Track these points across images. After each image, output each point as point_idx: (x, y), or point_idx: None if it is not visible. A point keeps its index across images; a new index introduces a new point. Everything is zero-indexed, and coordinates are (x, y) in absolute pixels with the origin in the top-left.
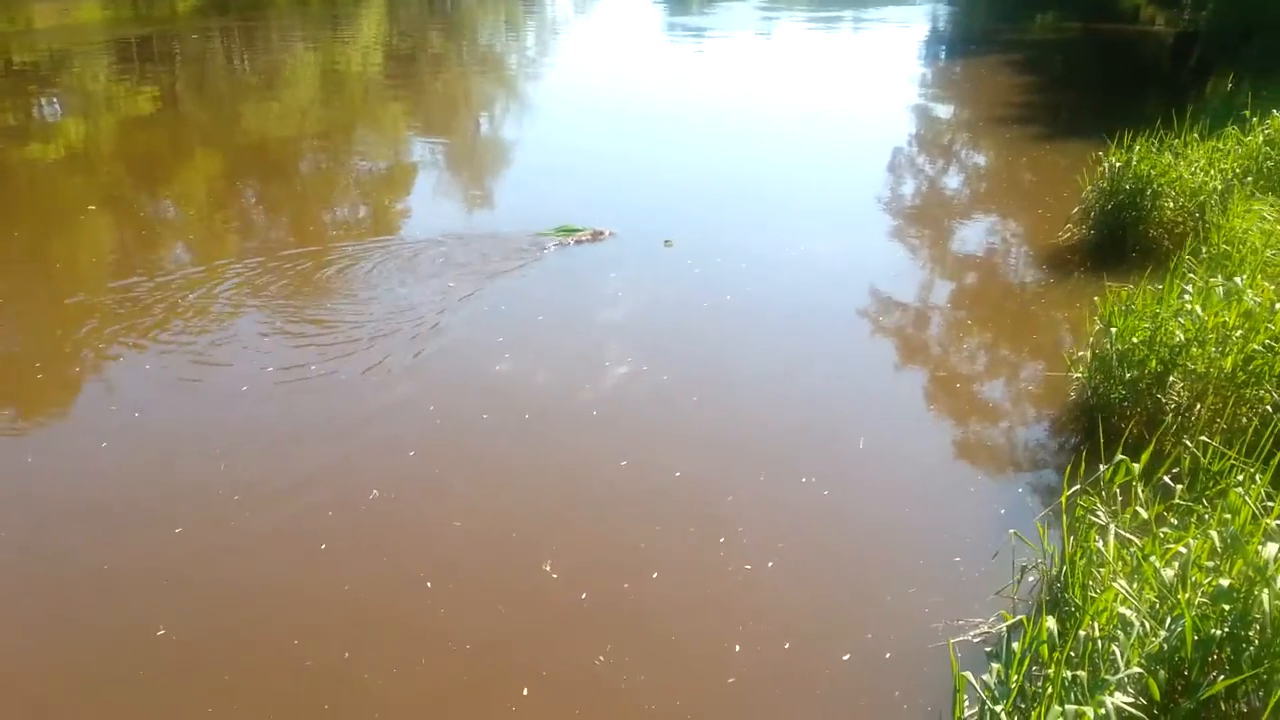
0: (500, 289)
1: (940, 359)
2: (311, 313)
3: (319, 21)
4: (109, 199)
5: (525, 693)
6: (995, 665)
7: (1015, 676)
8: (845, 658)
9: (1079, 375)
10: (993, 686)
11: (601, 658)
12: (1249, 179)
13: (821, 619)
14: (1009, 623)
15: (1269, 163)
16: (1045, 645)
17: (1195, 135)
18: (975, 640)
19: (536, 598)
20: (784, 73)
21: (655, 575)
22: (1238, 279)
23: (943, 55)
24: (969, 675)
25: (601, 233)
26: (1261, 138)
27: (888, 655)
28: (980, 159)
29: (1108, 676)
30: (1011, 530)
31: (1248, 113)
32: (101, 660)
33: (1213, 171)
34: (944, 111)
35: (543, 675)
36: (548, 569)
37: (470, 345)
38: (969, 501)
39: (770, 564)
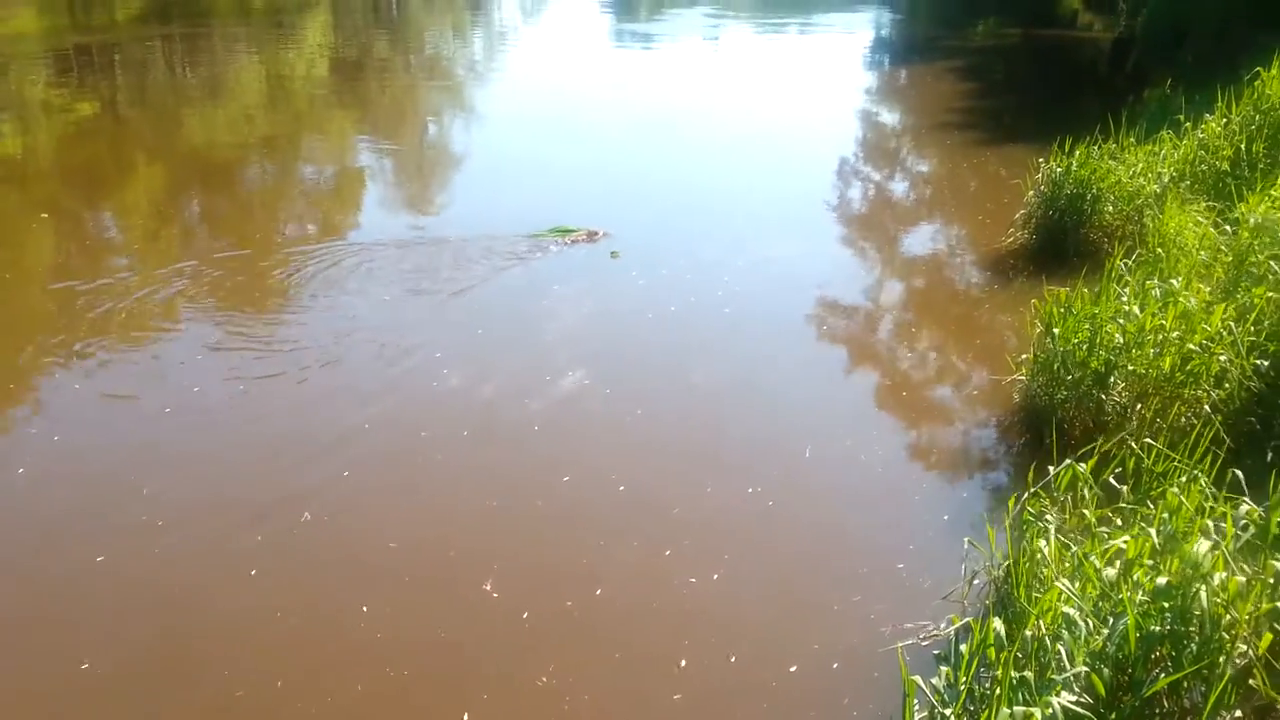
0: (438, 300)
1: (887, 364)
2: (248, 325)
3: (263, 29)
4: (46, 209)
5: (466, 718)
6: (944, 668)
7: (964, 679)
8: (793, 668)
9: (1022, 378)
10: (942, 690)
11: (544, 678)
12: (1184, 182)
13: (768, 630)
14: (957, 625)
15: (1203, 166)
16: (992, 647)
17: (1132, 140)
18: (925, 644)
19: (477, 618)
20: (732, 79)
21: (599, 591)
22: (1173, 281)
23: (887, 62)
24: (918, 679)
25: (596, 233)
26: (1195, 141)
27: (835, 665)
28: (925, 165)
29: (1054, 676)
30: (965, 537)
31: (1181, 117)
32: (21, 698)
33: (1150, 175)
34: (889, 118)
35: (484, 699)
36: (488, 588)
37: (409, 359)
38: (916, 506)
39: (716, 576)
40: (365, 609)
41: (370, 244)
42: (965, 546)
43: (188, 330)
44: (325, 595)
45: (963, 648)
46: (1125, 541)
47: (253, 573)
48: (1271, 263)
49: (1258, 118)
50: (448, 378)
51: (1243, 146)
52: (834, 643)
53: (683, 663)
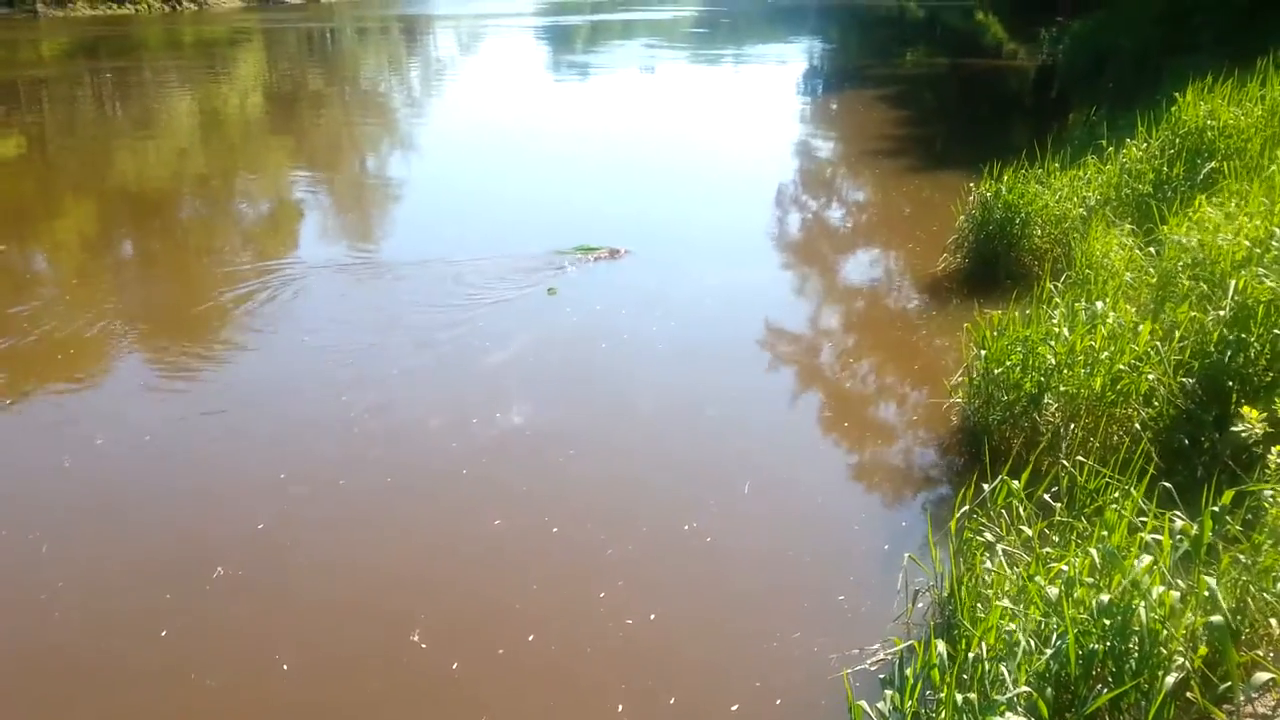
0: (367, 337)
1: (826, 392)
2: (170, 365)
3: (194, 64)
4: None
5: None
6: (890, 693)
7: (909, 703)
8: (735, 707)
9: (959, 400)
10: (888, 714)
11: None
12: (1109, 205)
13: (708, 669)
14: (900, 648)
15: (1126, 189)
16: (936, 669)
17: (1058, 165)
18: (872, 668)
19: (404, 671)
20: (669, 109)
21: (531, 637)
22: (1100, 303)
23: (820, 91)
24: (864, 704)
25: (618, 250)
26: (1118, 165)
27: (779, 701)
28: (860, 192)
29: (997, 697)
30: (906, 561)
31: (1104, 142)
32: None
33: (1075, 199)
34: (824, 146)
35: None
36: (416, 639)
37: (324, 402)
38: (857, 533)
39: (653, 616)
40: (286, 667)
41: (300, 276)
42: (907, 569)
43: (110, 371)
44: (242, 655)
45: (907, 671)
46: (1067, 562)
47: (163, 634)
48: (1194, 283)
49: (1176, 141)
50: (368, 421)
51: (1163, 169)
52: (777, 678)
53: (620, 707)
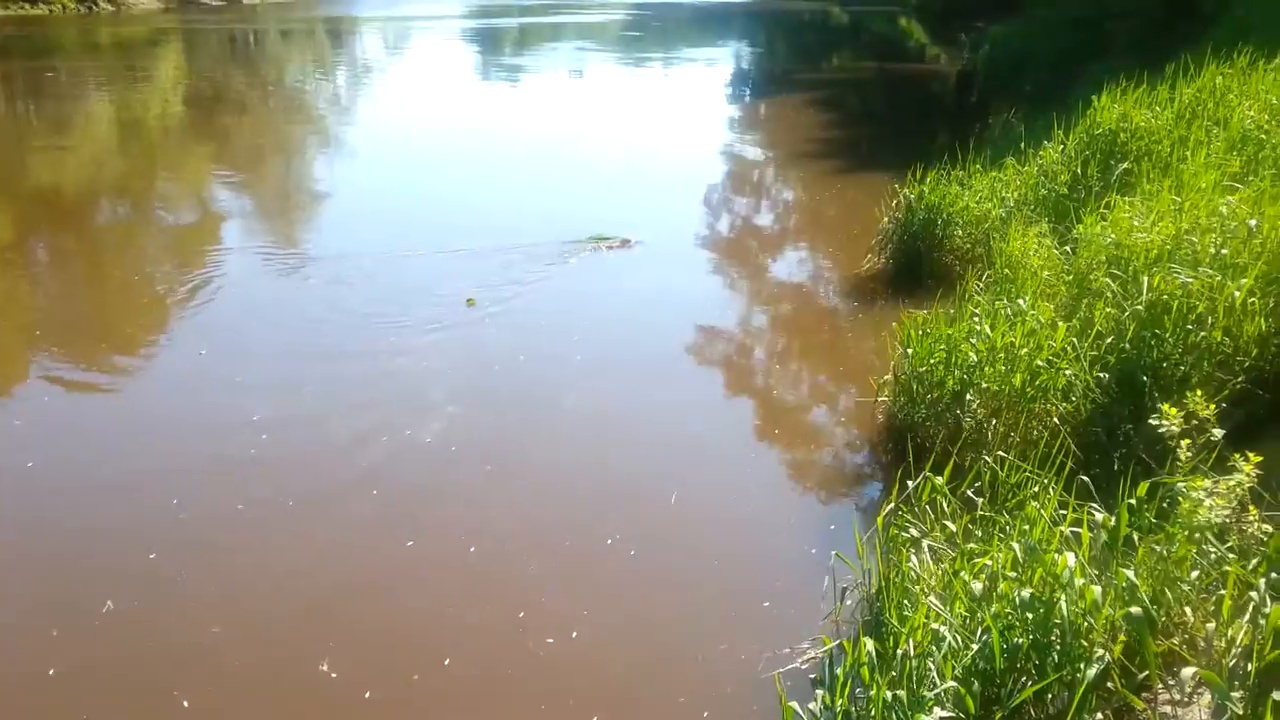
0: (268, 351)
1: (754, 397)
2: (54, 380)
3: (113, 67)
4: None
5: None
6: (821, 692)
7: (840, 701)
8: None
9: (885, 399)
10: (818, 714)
11: None
12: (1028, 206)
13: (632, 687)
14: (829, 647)
15: (1043, 190)
16: (865, 667)
17: (978, 167)
18: (803, 667)
19: (313, 703)
20: (601, 113)
21: (448, 661)
22: (1020, 301)
23: (748, 94)
24: (795, 705)
25: (629, 240)
26: (1036, 167)
27: (706, 714)
28: (788, 194)
29: (926, 693)
30: (834, 553)
31: (1023, 144)
32: None
33: (995, 200)
34: (752, 149)
35: None
36: (325, 668)
37: (224, 420)
38: (787, 536)
39: (575, 634)
40: (186, 704)
41: (215, 284)
42: (834, 568)
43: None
44: (137, 694)
45: (838, 670)
46: (990, 557)
47: (51, 672)
48: (1109, 280)
49: (1091, 143)
50: (269, 440)
51: (1078, 170)
52: (704, 690)
53: None
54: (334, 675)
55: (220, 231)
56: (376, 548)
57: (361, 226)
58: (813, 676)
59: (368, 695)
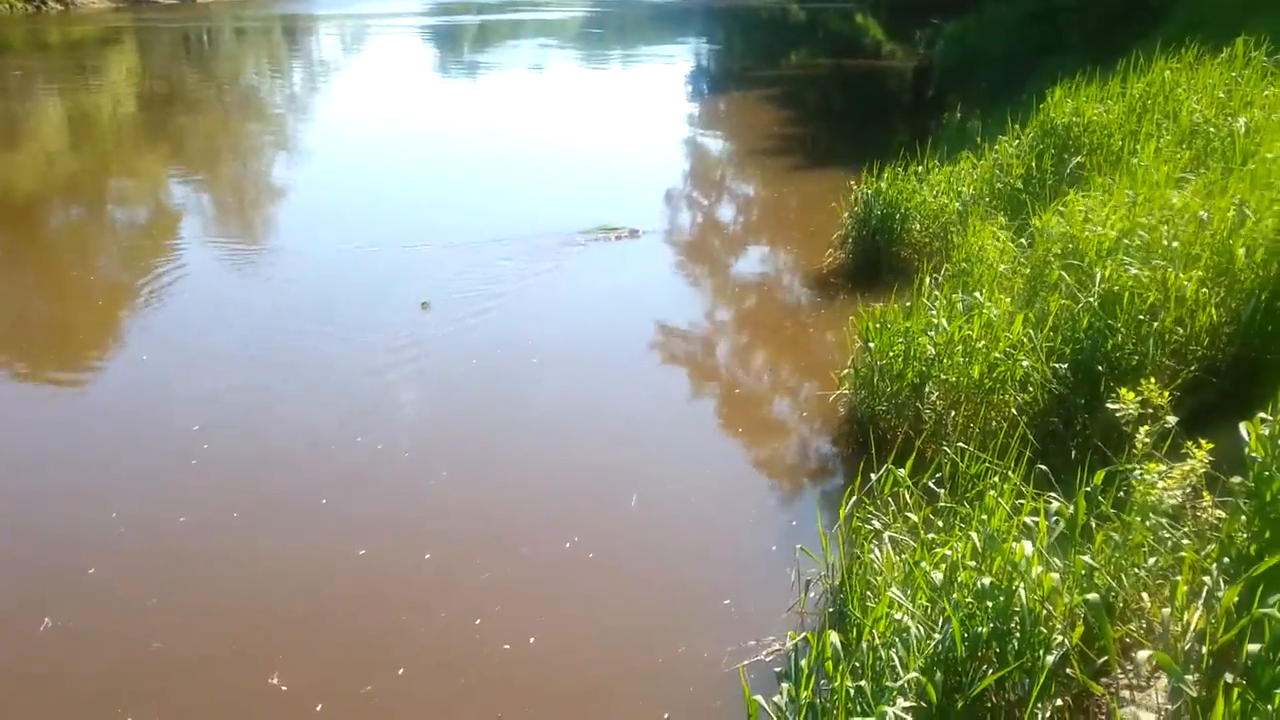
0: (203, 355)
1: (716, 395)
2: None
3: (64, 67)
4: None
5: None
6: (786, 685)
7: (805, 694)
8: None
9: (846, 392)
10: (783, 707)
11: None
12: (984, 200)
13: (591, 692)
14: (794, 641)
15: (999, 184)
16: (830, 660)
17: (935, 162)
18: (768, 660)
19: (262, 718)
20: (562, 110)
21: (401, 671)
22: (977, 294)
23: (708, 91)
24: (760, 699)
25: (636, 230)
26: (991, 161)
27: (666, 716)
28: (749, 190)
29: (889, 684)
30: (798, 546)
31: (979, 139)
32: None
33: (951, 195)
34: (712, 145)
35: None
36: (275, 682)
37: (166, 427)
38: (750, 532)
39: (532, 640)
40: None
41: (165, 286)
42: (799, 561)
43: None
44: (79, 714)
45: (802, 663)
46: (950, 547)
47: None
48: (1064, 272)
49: (1044, 137)
50: (209, 452)
51: (1033, 164)
52: (666, 691)
53: None
54: (284, 688)
55: (174, 232)
56: (327, 558)
57: (317, 225)
58: (777, 670)
59: (319, 708)
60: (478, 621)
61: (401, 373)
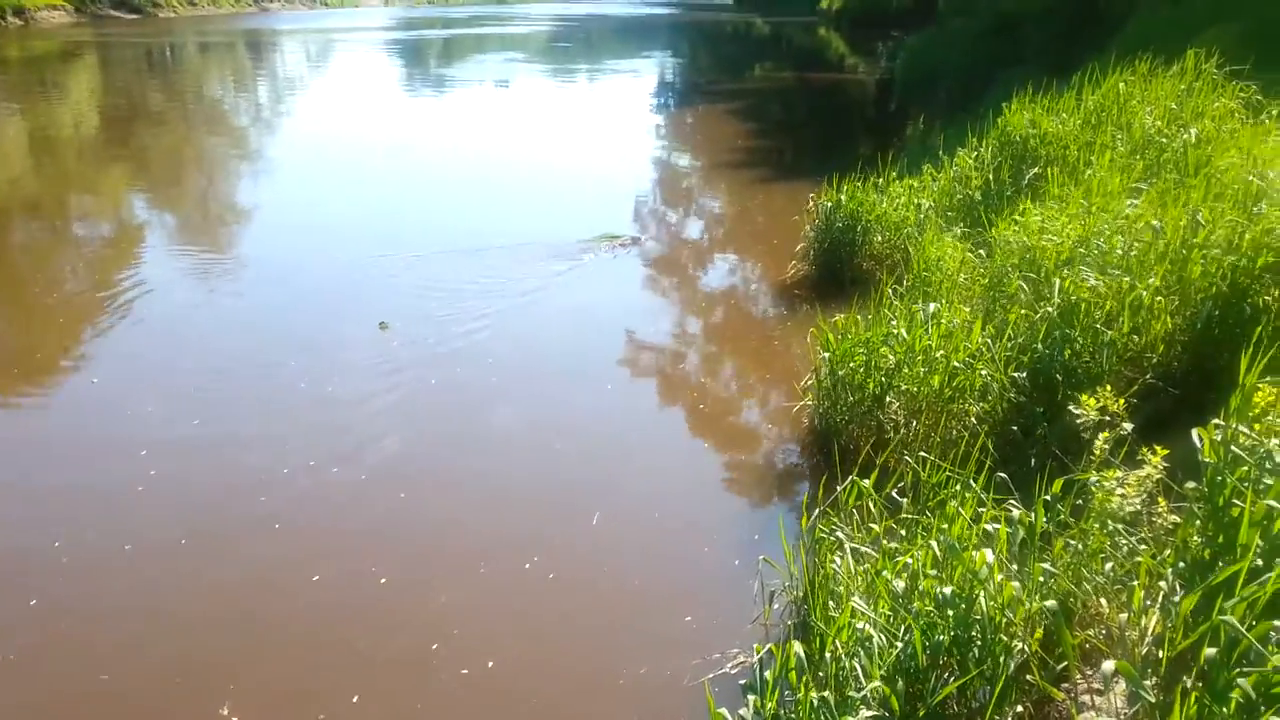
0: (154, 376)
1: (681, 409)
2: None
3: (24, 82)
4: None
5: None
6: (751, 697)
7: (770, 705)
8: None
9: (809, 403)
10: (749, 719)
11: None
12: (944, 211)
13: (553, 713)
14: (760, 654)
15: (958, 196)
16: (794, 671)
17: (894, 174)
18: (734, 672)
19: None
20: (529, 125)
21: (356, 699)
22: (934, 304)
23: (674, 105)
24: (725, 712)
25: (638, 238)
26: (951, 174)
27: None
28: (715, 204)
29: (853, 694)
30: (761, 557)
31: (940, 151)
32: None
33: (911, 206)
34: (679, 159)
35: None
36: (225, 713)
37: (105, 454)
38: (714, 548)
39: (491, 664)
40: None
41: (127, 306)
42: (764, 573)
43: None
44: None
45: (768, 675)
46: (912, 556)
47: None
48: (1022, 282)
49: (1003, 149)
50: (157, 478)
51: (991, 176)
52: (630, 708)
53: None
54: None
55: (135, 250)
56: (279, 585)
57: (278, 244)
58: (742, 682)
59: None
60: (435, 646)
61: (352, 396)
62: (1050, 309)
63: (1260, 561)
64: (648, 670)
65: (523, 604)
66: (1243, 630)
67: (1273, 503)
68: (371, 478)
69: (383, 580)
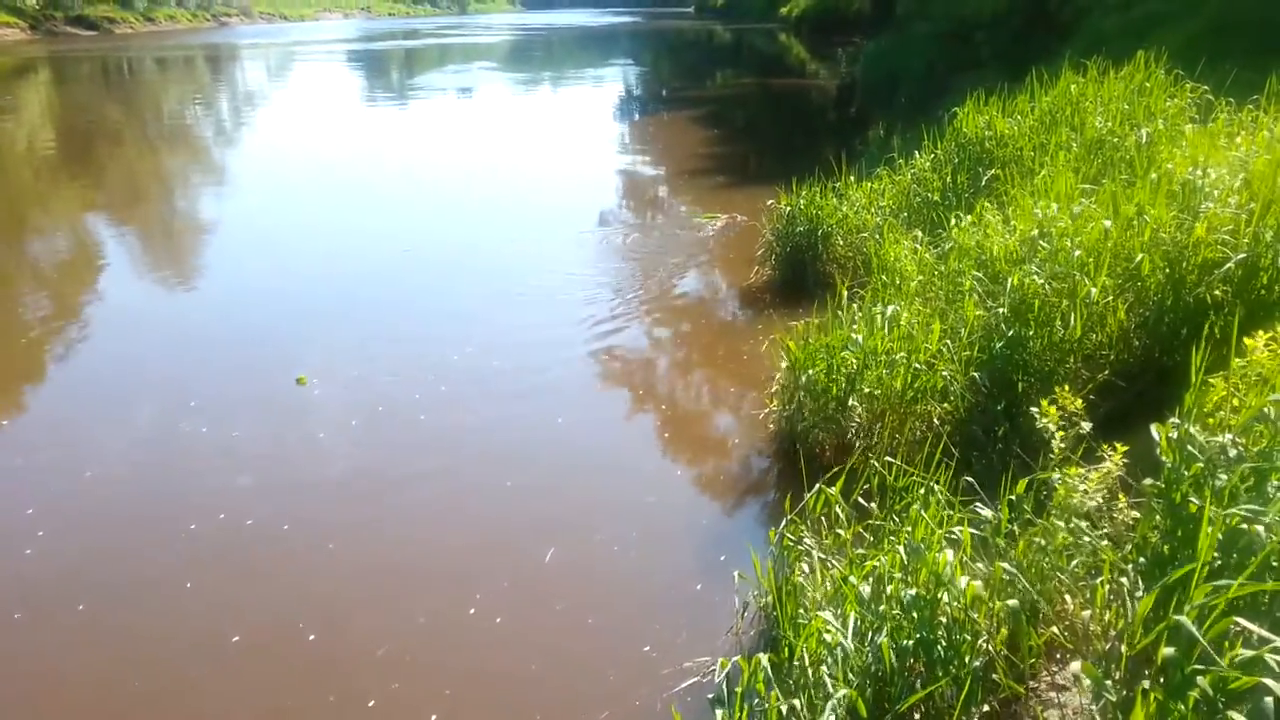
0: (68, 420)
1: (644, 413)
2: None
3: None
4: None
5: None
6: (720, 711)
7: (739, 717)
8: None
9: (774, 409)
10: None
11: None
12: (902, 214)
13: None
14: (726, 667)
15: (917, 199)
16: (762, 682)
17: (853, 178)
18: (705, 682)
19: None
20: (488, 135)
21: None
22: (894, 306)
23: (637, 113)
24: None
25: (735, 218)
26: (909, 177)
27: None
28: (678, 210)
29: (820, 702)
30: (736, 573)
31: (897, 154)
32: None
33: (871, 210)
34: (643, 167)
35: None
36: None
37: (23, 493)
38: (679, 556)
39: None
40: None
41: (55, 336)
42: (734, 586)
43: None
44: None
45: (736, 687)
46: (878, 561)
47: None
48: (974, 282)
49: (959, 151)
50: (50, 535)
51: (949, 178)
52: None
53: None
54: None
55: (90, 273)
56: (191, 645)
57: (232, 266)
58: (710, 696)
59: None
60: (371, 704)
61: (272, 438)
62: (1001, 308)
63: (1218, 558)
64: (619, 688)
65: (466, 653)
66: (1197, 633)
67: (1231, 510)
68: (299, 528)
69: (311, 637)
